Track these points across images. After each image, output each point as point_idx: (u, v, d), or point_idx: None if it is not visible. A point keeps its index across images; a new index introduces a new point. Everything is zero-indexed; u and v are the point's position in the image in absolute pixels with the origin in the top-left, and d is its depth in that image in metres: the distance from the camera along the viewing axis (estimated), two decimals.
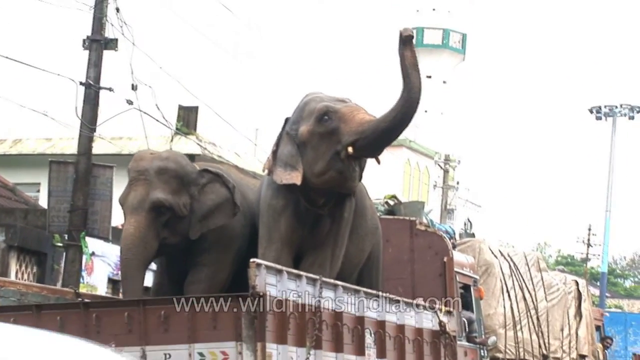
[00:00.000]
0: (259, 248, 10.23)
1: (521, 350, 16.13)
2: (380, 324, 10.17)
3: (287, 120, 10.36)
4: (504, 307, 15.78)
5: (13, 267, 18.47)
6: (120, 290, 10.63)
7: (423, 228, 13.43)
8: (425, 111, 66.48)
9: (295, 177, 9.98)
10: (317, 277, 9.34)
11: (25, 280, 18.07)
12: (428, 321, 11.18)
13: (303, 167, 9.99)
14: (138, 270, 10.13)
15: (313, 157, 9.98)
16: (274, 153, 10.25)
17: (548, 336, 17.30)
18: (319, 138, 9.99)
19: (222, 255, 10.42)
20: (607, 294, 49.98)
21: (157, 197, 10.20)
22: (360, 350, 9.76)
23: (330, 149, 9.93)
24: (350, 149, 9.86)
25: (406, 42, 9.84)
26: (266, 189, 10.38)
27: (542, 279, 17.57)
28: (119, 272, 20.75)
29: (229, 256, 10.41)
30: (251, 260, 8.62)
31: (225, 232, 10.43)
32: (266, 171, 10.48)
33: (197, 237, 10.32)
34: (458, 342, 12.08)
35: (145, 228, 10.13)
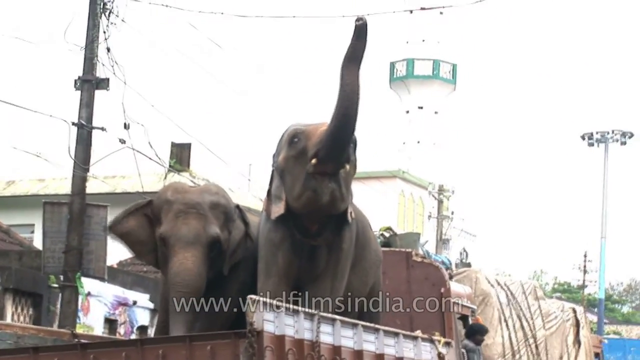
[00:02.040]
0: (257, 282, 10.21)
1: None
2: (379, 357, 10.12)
3: (273, 156, 10.39)
4: (502, 336, 15.74)
5: (9, 309, 18.41)
6: (170, 326, 10.21)
7: (419, 259, 13.41)
8: (418, 142, 66.68)
9: (281, 208, 9.94)
10: (315, 312, 9.31)
11: (21, 322, 18.02)
12: (427, 353, 11.13)
13: (285, 196, 9.97)
14: (192, 305, 9.92)
15: (291, 182, 9.91)
16: (268, 192, 10.26)
17: None
18: (293, 161, 9.91)
19: (226, 291, 10.38)
20: (605, 321, 49.91)
21: (216, 232, 10.09)
22: None
23: (303, 170, 9.81)
24: (313, 161, 9.73)
25: (360, 32, 9.52)
26: (264, 224, 10.37)
27: (539, 307, 17.54)
28: (115, 312, 20.84)
29: (233, 292, 10.37)
30: (248, 297, 8.61)
31: (230, 268, 10.44)
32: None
33: (227, 272, 10.26)
34: None
35: (202, 263, 9.96)
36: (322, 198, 9.74)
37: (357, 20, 9.54)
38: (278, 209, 9.96)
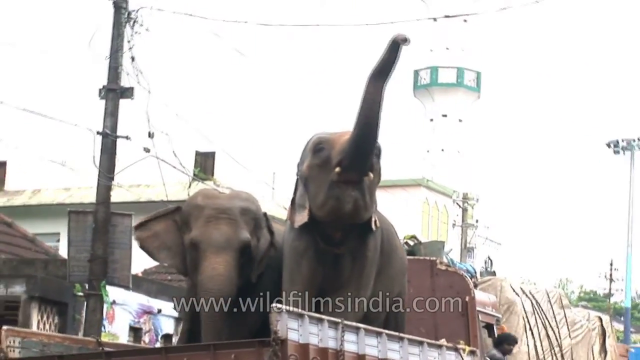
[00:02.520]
0: (282, 291, 10.21)
1: None
2: None
3: (297, 165, 10.40)
4: (528, 345, 15.66)
5: (35, 317, 18.47)
6: (202, 333, 10.05)
7: (444, 268, 13.37)
8: (442, 150, 66.58)
9: (304, 216, 9.93)
10: (339, 320, 9.29)
11: (47, 330, 18.06)
12: None
13: (309, 204, 9.97)
14: (224, 310, 9.90)
15: (314, 190, 9.92)
16: (292, 201, 10.26)
17: None
18: (317, 170, 9.93)
19: (252, 299, 10.37)
20: (631, 329, 49.59)
21: (247, 237, 10.09)
22: None
23: (327, 178, 9.83)
24: (337, 169, 9.76)
25: (393, 48, 9.50)
26: (288, 233, 10.37)
27: (565, 315, 17.45)
28: (140, 320, 20.87)
29: (259, 296, 10.37)
30: (272, 305, 8.61)
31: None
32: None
33: (255, 280, 10.25)
34: None
35: (234, 268, 9.96)
36: (345, 206, 9.75)
37: (399, 37, 9.52)
38: (301, 218, 9.96)
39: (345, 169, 9.74)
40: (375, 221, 10.15)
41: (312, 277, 10.11)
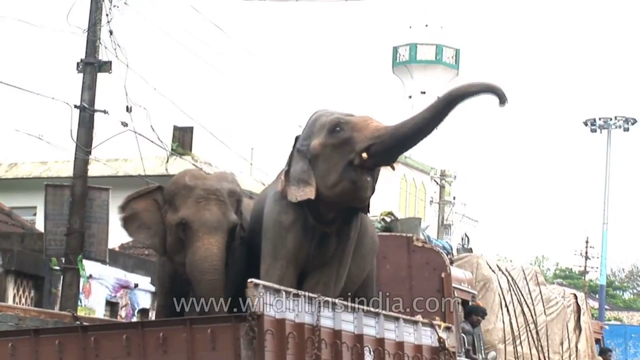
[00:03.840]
0: (262, 264, 10.18)
1: None
2: (380, 342, 10.14)
3: (297, 138, 10.37)
4: (503, 322, 15.75)
5: (10, 291, 18.44)
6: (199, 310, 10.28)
7: (420, 244, 13.43)
8: None
9: (309, 192, 9.94)
10: (315, 295, 9.33)
11: (22, 304, 18.05)
12: (427, 338, 11.15)
13: (316, 181, 9.97)
14: (223, 292, 9.99)
15: (326, 169, 9.95)
16: (287, 173, 10.22)
17: (548, 350, 17.27)
18: (331, 149, 9.97)
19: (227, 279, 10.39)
20: (606, 307, 49.95)
21: (236, 219, 10.24)
22: None
23: (343, 159, 9.91)
24: (364, 155, 9.85)
25: (486, 90, 10.19)
26: (273, 205, 10.30)
27: (540, 293, 17.56)
28: (116, 295, 20.86)
29: (230, 279, 10.38)
30: (249, 280, 8.62)
31: (230, 254, 10.44)
32: (271, 189, 10.47)
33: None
34: (457, 358, 12.05)
35: (224, 249, 10.07)
36: (362, 191, 9.91)
37: (503, 97, 10.11)
38: (303, 193, 9.95)
39: (373, 155, 9.81)
40: (369, 205, 10.27)
41: (297, 253, 10.14)
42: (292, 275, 10.08)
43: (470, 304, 13.85)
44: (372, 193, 10.13)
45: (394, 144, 9.95)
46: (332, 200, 9.97)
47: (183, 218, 10.15)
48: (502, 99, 9.90)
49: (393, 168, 10.31)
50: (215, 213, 10.11)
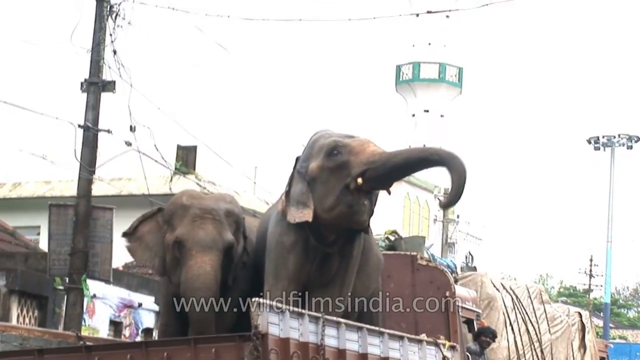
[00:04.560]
0: (265, 285, 10.19)
1: None
2: None
3: (297, 159, 10.41)
4: (508, 340, 15.71)
5: (14, 311, 18.42)
6: (196, 326, 10.18)
7: (424, 263, 13.41)
8: (424, 145, 66.65)
9: (306, 215, 9.99)
10: (320, 315, 9.31)
11: (26, 324, 18.03)
12: (432, 356, 11.13)
13: (314, 204, 9.99)
14: (212, 308, 9.97)
15: (323, 192, 10.00)
16: (287, 193, 10.26)
17: None
18: (328, 173, 10.02)
19: (226, 298, 10.36)
20: (610, 325, 49.80)
21: (232, 238, 10.19)
22: None
23: (340, 183, 9.96)
24: (359, 180, 9.88)
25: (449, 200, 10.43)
26: (275, 226, 10.36)
27: (545, 311, 17.52)
28: (120, 314, 20.83)
29: (233, 299, 10.35)
30: (253, 299, 8.61)
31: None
32: (275, 210, 10.50)
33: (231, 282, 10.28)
34: None
35: (219, 268, 10.03)
36: (357, 215, 9.96)
37: (449, 199, 10.29)
38: (302, 215, 10.01)
39: (368, 180, 9.88)
40: (369, 225, 10.29)
41: (298, 273, 10.15)
42: (294, 295, 10.07)
43: (477, 325, 13.80)
44: (370, 216, 10.20)
45: (387, 172, 10.04)
46: (330, 222, 10.04)
47: (178, 237, 10.17)
48: (448, 201, 10.12)
49: (389, 192, 10.31)
50: (210, 232, 10.10)
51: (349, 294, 10.42)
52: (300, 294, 10.19)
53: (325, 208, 9.95)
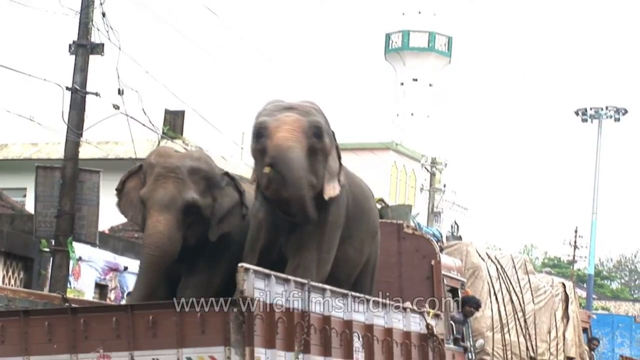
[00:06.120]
0: (243, 256, 10.25)
1: (509, 353, 16.15)
2: (369, 328, 10.17)
3: None
4: (492, 309, 15.80)
5: (0, 272, 18.43)
6: (135, 284, 10.37)
7: (410, 231, 13.45)
8: (412, 114, 66.58)
9: (253, 192, 10.30)
10: (305, 281, 9.34)
11: (12, 285, 18.04)
12: (416, 324, 11.20)
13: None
14: (161, 269, 9.97)
15: (258, 173, 10.13)
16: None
17: (535, 339, 17.33)
18: (258, 155, 10.12)
19: (217, 262, 10.39)
20: (593, 296, 50.09)
21: (192, 197, 10.10)
22: (348, 354, 9.76)
23: (263, 167, 10.00)
24: (267, 169, 9.86)
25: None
26: (254, 201, 10.46)
27: (529, 281, 17.61)
28: (106, 277, 20.86)
29: (224, 263, 10.37)
30: (239, 264, 8.63)
31: (222, 239, 10.41)
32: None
33: (215, 239, 10.31)
34: (446, 345, 12.09)
35: (175, 227, 9.99)
36: (285, 193, 9.86)
37: None
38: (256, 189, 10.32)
39: (275, 174, 9.84)
40: (335, 189, 10.14)
41: (270, 247, 10.23)
42: (267, 265, 10.08)
43: (461, 294, 13.86)
44: (312, 186, 9.97)
45: (282, 174, 9.80)
46: (272, 199, 10.07)
47: (141, 196, 10.24)
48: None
49: (325, 197, 10.14)
50: (169, 191, 10.08)
51: (331, 260, 10.36)
52: (272, 263, 10.18)
53: (263, 187, 10.06)
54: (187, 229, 10.13)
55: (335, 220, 10.37)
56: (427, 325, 11.35)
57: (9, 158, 31.13)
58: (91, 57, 16.42)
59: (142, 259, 10.16)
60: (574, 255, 55.10)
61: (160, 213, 10.01)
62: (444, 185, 43.33)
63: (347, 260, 10.69)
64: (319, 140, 10.04)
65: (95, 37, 16.38)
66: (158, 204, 10.04)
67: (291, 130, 9.86)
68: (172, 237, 9.97)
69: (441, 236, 15.36)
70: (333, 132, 10.44)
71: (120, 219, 19.31)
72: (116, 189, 10.68)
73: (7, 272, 18.67)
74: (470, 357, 13.77)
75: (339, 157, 10.40)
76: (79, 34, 16.45)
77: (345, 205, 10.54)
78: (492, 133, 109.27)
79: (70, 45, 16.49)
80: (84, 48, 16.36)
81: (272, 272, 8.98)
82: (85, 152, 19.88)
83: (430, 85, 67.21)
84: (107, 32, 16.34)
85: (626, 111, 47.26)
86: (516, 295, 16.85)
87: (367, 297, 10.31)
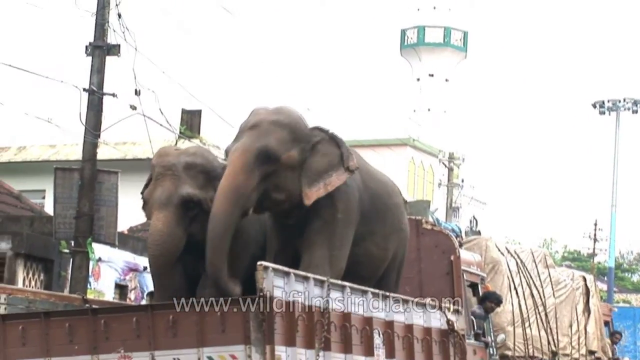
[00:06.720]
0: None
1: (530, 347, 16.12)
2: (389, 324, 10.16)
3: None
4: (512, 304, 15.76)
5: (20, 274, 18.49)
6: (152, 288, 10.50)
7: (429, 227, 13.42)
8: (429, 109, 66.52)
9: None
10: (325, 278, 9.33)
11: (32, 287, 18.10)
12: (436, 320, 11.17)
13: None
14: (167, 266, 10.03)
15: None
16: None
17: (557, 333, 17.29)
18: None
19: (236, 260, 10.39)
20: (614, 289, 49.91)
21: (187, 191, 10.13)
22: (369, 351, 9.75)
23: None
24: None
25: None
26: None
27: (549, 275, 17.56)
28: (125, 277, 20.91)
29: (243, 262, 10.38)
30: (258, 263, 8.63)
31: (240, 238, 10.41)
32: None
33: None
34: (467, 341, 12.06)
35: (173, 223, 10.03)
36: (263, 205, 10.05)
37: None
38: None
39: None
40: (318, 191, 10.06)
41: (283, 249, 10.32)
42: (284, 265, 10.10)
43: (481, 289, 13.82)
44: (278, 201, 10.07)
45: None
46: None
47: (144, 197, 10.39)
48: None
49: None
50: (167, 189, 10.15)
51: (345, 258, 10.30)
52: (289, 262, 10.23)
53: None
54: (191, 224, 10.14)
55: (345, 217, 10.31)
56: (448, 321, 11.32)
57: (27, 160, 31.26)
58: (108, 58, 16.45)
59: (149, 260, 10.28)
60: (594, 248, 54.89)
61: (159, 211, 10.09)
62: (462, 180, 43.28)
63: (370, 257, 10.67)
64: (273, 163, 9.98)
65: (112, 38, 16.42)
66: (157, 203, 10.14)
67: (234, 175, 9.85)
68: (172, 233, 10.00)
69: (460, 231, 15.33)
70: (327, 131, 10.37)
71: (138, 219, 19.37)
72: (141, 192, 10.77)
73: (28, 274, 18.73)
74: (491, 352, 13.74)
75: (341, 153, 10.26)
76: (95, 35, 16.48)
77: (357, 201, 10.48)
78: (510, 127, 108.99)
79: (86, 47, 16.52)
80: (101, 49, 16.39)
81: (292, 270, 8.97)
82: (103, 153, 19.95)
83: (447, 80, 67.13)
84: (123, 33, 16.38)
85: None
86: (536, 289, 16.81)
87: (387, 293, 10.30)
